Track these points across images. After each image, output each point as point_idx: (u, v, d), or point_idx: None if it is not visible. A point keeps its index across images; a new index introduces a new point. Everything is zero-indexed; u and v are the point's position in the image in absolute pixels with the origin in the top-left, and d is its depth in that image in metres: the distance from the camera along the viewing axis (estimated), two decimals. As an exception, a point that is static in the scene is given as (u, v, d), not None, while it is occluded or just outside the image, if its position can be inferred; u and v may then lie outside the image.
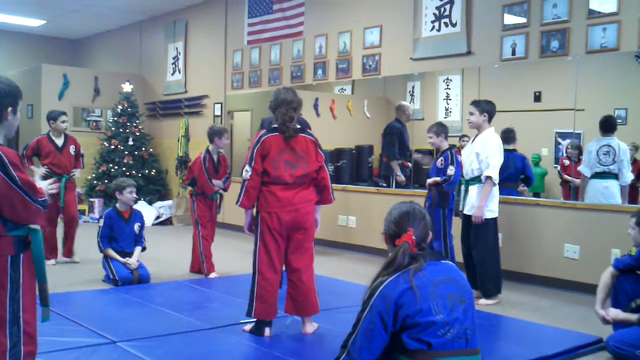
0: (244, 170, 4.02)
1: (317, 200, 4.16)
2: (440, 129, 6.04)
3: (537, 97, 7.35)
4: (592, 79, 6.34)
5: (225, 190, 6.25)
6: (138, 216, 5.94)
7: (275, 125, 4.05)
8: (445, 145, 6.03)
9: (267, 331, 4.07)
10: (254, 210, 4.12)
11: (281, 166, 3.98)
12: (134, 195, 5.86)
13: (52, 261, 6.54)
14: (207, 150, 6.13)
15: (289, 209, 3.99)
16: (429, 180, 6.06)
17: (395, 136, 7.38)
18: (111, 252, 5.64)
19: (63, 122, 6.68)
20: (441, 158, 6.02)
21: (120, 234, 5.76)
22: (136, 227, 5.85)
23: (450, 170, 5.89)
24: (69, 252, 6.73)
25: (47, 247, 6.66)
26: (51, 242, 6.56)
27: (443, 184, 5.94)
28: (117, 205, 5.82)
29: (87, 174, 10.78)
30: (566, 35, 5.95)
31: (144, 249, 5.93)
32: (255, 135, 4.13)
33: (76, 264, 6.58)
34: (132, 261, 5.65)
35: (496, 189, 5.28)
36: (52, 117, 6.68)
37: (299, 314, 4.18)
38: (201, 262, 6.05)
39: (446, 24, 6.97)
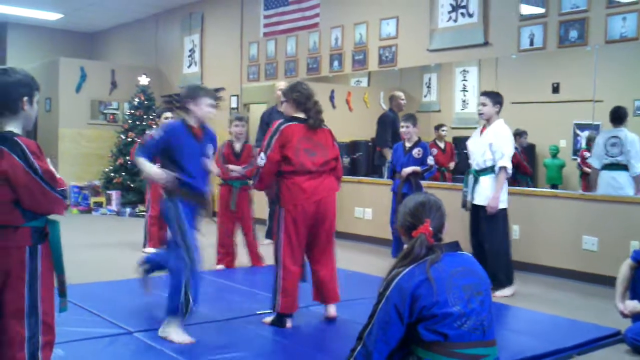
0: (258, 158, 4.08)
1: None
2: (416, 120, 6.39)
3: (556, 88, 7.27)
4: (612, 70, 6.25)
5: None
6: (210, 135, 4.00)
7: (297, 115, 4.09)
8: (415, 137, 6.35)
9: (288, 322, 4.09)
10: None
11: (301, 154, 4.02)
12: (214, 111, 3.93)
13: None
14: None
15: (314, 200, 4.02)
16: (407, 170, 6.23)
17: (388, 125, 7.58)
18: (143, 162, 3.74)
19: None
20: (418, 148, 6.29)
21: (188, 155, 3.79)
22: (210, 150, 3.98)
23: (431, 160, 6.24)
24: None
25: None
26: None
27: (424, 173, 6.26)
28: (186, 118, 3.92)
29: (104, 166, 10.84)
30: (585, 25, 5.88)
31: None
32: (272, 125, 4.13)
33: (86, 258, 6.61)
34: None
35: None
36: None
37: (323, 302, 4.28)
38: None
39: (463, 15, 6.91)
